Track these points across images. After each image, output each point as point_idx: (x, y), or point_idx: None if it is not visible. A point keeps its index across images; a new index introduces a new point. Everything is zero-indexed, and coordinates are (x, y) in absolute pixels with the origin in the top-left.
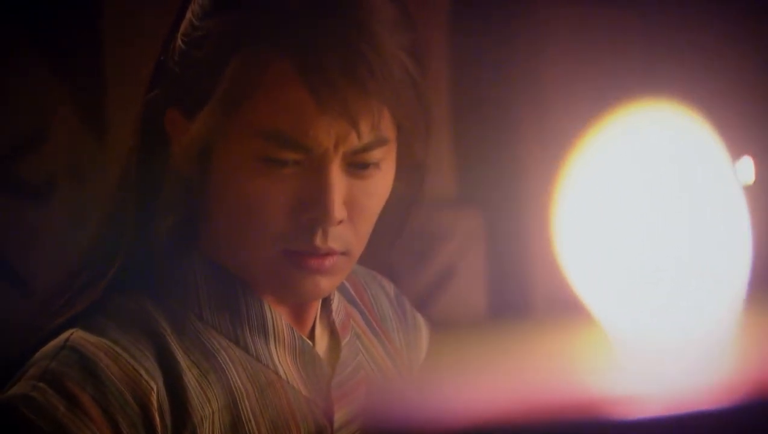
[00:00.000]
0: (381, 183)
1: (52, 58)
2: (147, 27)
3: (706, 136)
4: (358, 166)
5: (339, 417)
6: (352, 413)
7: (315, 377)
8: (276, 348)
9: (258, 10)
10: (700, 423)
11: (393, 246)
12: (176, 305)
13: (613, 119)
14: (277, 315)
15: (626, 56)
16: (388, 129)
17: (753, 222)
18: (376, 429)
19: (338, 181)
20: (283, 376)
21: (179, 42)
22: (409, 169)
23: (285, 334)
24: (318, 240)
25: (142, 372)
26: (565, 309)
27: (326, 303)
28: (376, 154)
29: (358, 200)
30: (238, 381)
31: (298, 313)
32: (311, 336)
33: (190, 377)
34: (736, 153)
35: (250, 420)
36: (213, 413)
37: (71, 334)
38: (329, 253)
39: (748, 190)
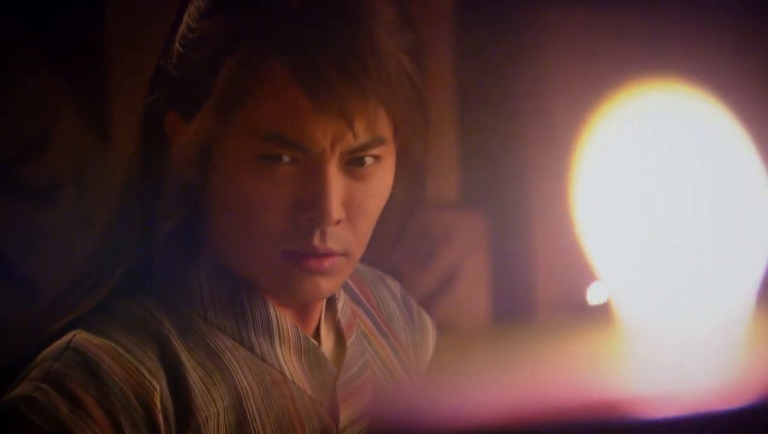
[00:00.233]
0: (380, 183)
1: (56, 61)
2: (150, 31)
3: (721, 120)
4: (356, 165)
5: (344, 416)
6: (358, 412)
7: (320, 377)
8: (281, 348)
9: (254, 11)
10: (710, 424)
11: (395, 249)
12: (181, 306)
13: (622, 101)
14: (282, 315)
15: (632, 59)
16: (385, 129)
17: None
18: (382, 428)
19: (336, 181)
20: (289, 376)
21: (177, 45)
22: (409, 170)
23: (290, 334)
24: (316, 241)
25: (145, 372)
26: (569, 310)
27: (331, 303)
28: (373, 153)
29: (357, 200)
30: (244, 381)
31: (303, 313)
32: (316, 335)
33: (195, 377)
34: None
35: (255, 420)
36: (218, 413)
37: (74, 335)
38: (328, 254)
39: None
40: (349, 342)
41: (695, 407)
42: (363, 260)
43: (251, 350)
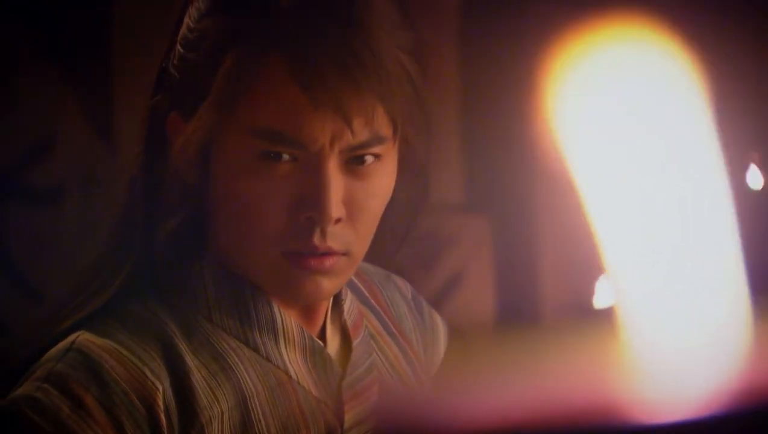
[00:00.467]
0: (380, 182)
1: (62, 65)
2: (156, 34)
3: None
4: (356, 164)
5: (349, 417)
6: (364, 413)
7: (326, 377)
8: (286, 348)
9: (252, 10)
10: (713, 427)
11: (398, 252)
12: (185, 307)
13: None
14: (286, 316)
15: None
16: (384, 126)
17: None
18: (388, 429)
19: (335, 179)
20: (294, 376)
21: (178, 46)
22: (412, 172)
23: (295, 334)
24: (316, 239)
25: (148, 373)
26: (574, 314)
27: (338, 303)
28: (373, 152)
29: (357, 199)
30: (248, 381)
31: (308, 313)
32: (322, 336)
33: (199, 377)
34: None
35: (260, 420)
36: (222, 413)
37: (78, 337)
38: (329, 253)
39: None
40: (355, 342)
41: (698, 410)
42: (368, 262)
43: (256, 350)
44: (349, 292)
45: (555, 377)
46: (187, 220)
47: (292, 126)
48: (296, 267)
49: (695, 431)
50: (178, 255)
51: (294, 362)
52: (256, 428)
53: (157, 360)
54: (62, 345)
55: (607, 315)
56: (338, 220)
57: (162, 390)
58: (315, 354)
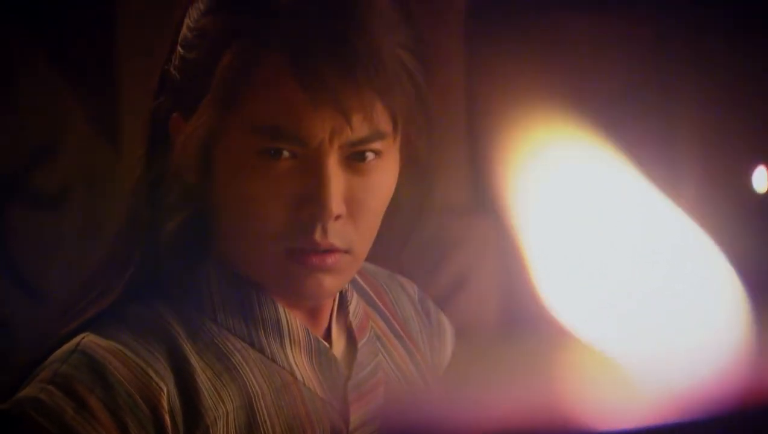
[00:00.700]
0: (381, 180)
1: (66, 68)
2: (160, 36)
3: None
4: (356, 160)
5: (355, 418)
6: (369, 414)
7: (331, 378)
8: (291, 349)
9: (251, 6)
10: (713, 429)
11: (402, 252)
12: (190, 308)
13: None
14: (292, 317)
15: (641, 67)
16: (384, 122)
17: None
18: (393, 430)
19: (335, 175)
20: (299, 377)
21: (178, 48)
22: (415, 171)
23: (300, 335)
24: (318, 236)
25: (152, 374)
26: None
27: (343, 304)
28: (373, 148)
29: (358, 196)
30: (254, 382)
31: (313, 314)
32: (327, 337)
33: (204, 378)
34: (749, 159)
35: (265, 421)
36: (227, 413)
37: (82, 338)
38: (331, 250)
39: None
40: (360, 343)
41: (699, 412)
42: (373, 263)
43: (261, 351)
44: (354, 294)
45: (558, 379)
46: (190, 222)
47: (291, 122)
48: (298, 265)
49: (697, 432)
50: (183, 257)
51: (299, 363)
52: (261, 429)
53: (161, 361)
54: (67, 347)
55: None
56: (339, 216)
57: (166, 391)
58: (320, 355)
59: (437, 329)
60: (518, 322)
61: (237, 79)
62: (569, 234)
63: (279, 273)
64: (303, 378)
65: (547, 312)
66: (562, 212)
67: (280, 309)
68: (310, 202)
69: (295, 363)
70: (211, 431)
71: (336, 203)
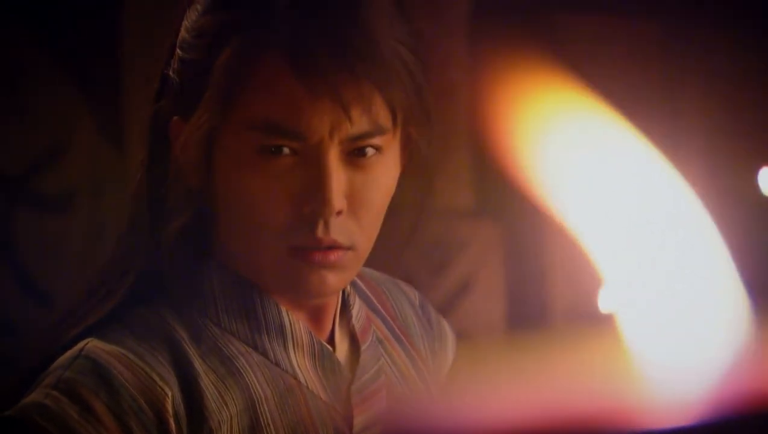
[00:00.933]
0: (382, 175)
1: (72, 71)
2: (165, 41)
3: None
4: (357, 156)
5: (358, 422)
6: (372, 418)
7: (334, 382)
8: (295, 352)
9: (249, 3)
10: (715, 432)
11: (404, 253)
12: (193, 312)
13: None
14: (295, 320)
15: (646, 67)
16: (384, 117)
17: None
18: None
19: (336, 170)
20: (303, 381)
21: (177, 50)
22: (416, 168)
23: (303, 339)
24: (320, 232)
25: (156, 378)
26: (584, 319)
27: (346, 308)
28: (374, 143)
29: (359, 192)
30: (257, 386)
31: (316, 318)
32: (330, 340)
33: (207, 382)
34: (754, 160)
35: (269, 425)
36: (231, 417)
37: (86, 344)
38: (333, 246)
39: None
40: (363, 347)
41: (701, 415)
42: (375, 266)
43: (265, 355)
44: (357, 298)
45: (563, 382)
46: (192, 224)
47: (290, 117)
48: (301, 262)
49: None
50: (185, 260)
51: (303, 367)
52: (265, 432)
53: (165, 365)
54: (71, 352)
55: (612, 322)
56: (341, 212)
57: (171, 395)
58: (324, 359)
59: (438, 334)
60: (522, 325)
61: (235, 75)
62: (569, 234)
63: (282, 271)
64: (306, 381)
65: (550, 314)
66: (562, 212)
67: (284, 313)
68: (312, 198)
69: (299, 367)
70: None
71: (337, 198)
